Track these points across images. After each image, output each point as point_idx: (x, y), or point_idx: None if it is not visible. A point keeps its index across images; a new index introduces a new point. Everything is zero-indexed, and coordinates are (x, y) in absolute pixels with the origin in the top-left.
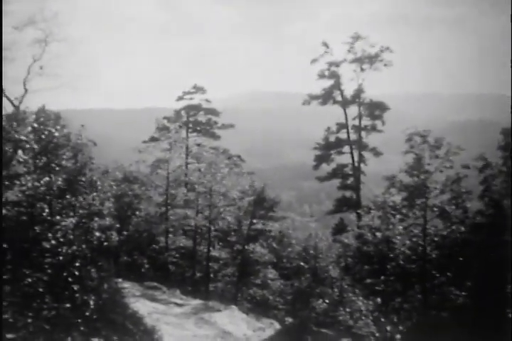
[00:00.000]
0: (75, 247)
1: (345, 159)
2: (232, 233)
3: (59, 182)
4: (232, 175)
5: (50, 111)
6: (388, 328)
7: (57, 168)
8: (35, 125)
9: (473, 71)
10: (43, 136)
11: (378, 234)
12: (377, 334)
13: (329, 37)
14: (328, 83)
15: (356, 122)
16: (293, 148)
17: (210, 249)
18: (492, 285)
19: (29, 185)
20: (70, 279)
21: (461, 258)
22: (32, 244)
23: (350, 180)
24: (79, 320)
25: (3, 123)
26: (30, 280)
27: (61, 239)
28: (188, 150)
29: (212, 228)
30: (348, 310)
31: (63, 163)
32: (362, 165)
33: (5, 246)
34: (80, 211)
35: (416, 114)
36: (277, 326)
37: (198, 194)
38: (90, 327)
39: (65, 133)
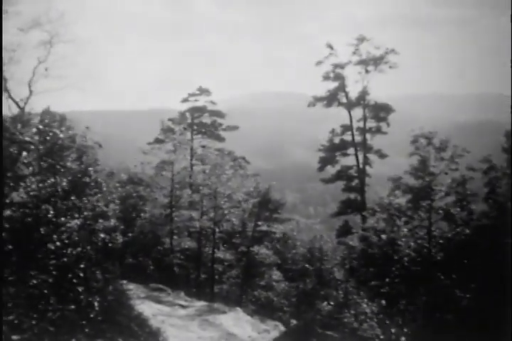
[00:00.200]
0: (79, 249)
1: (350, 161)
2: (237, 235)
3: (64, 184)
4: (237, 177)
5: (55, 113)
6: (393, 330)
7: (62, 170)
8: (40, 126)
9: (478, 71)
10: (48, 138)
11: (383, 236)
12: (382, 337)
13: (335, 38)
14: (333, 85)
15: (361, 124)
16: (298, 149)
17: (215, 250)
18: (497, 288)
19: (33, 186)
20: (74, 281)
21: (465, 261)
22: (37, 246)
23: (354, 182)
24: (84, 322)
25: (8, 124)
26: (35, 281)
27: (66, 241)
28: (192, 152)
29: (217, 230)
30: (352, 312)
31: (68, 164)
32: (367, 167)
33: (10, 247)
34: (85, 212)
35: (420, 115)
36: (282, 328)
37: (203, 196)
38: (95, 329)
39: (70, 135)
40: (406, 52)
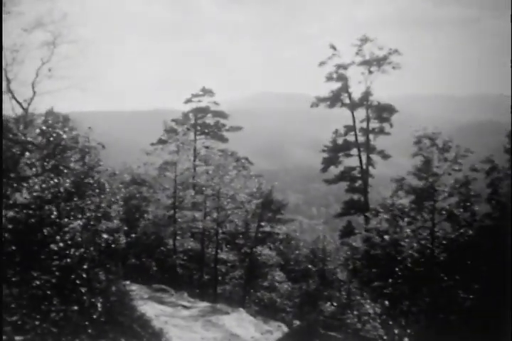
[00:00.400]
0: (82, 249)
1: (353, 162)
2: (240, 235)
3: (67, 185)
4: (240, 178)
5: (59, 114)
6: (396, 331)
7: (65, 171)
8: (44, 127)
9: (479, 72)
10: (52, 139)
11: (386, 237)
12: (385, 338)
13: (335, 38)
14: (336, 85)
15: (364, 125)
16: (301, 150)
17: (218, 251)
18: (500, 289)
19: (37, 187)
20: (77, 281)
21: (469, 261)
22: (40, 247)
23: (358, 183)
24: (86, 323)
25: (11, 125)
26: (38, 282)
27: (69, 242)
28: (196, 153)
29: (220, 230)
30: (355, 312)
31: (71, 165)
32: (370, 167)
33: (13, 248)
34: (88, 213)
35: (421, 115)
36: (285, 329)
37: (206, 196)
38: (98, 330)
39: (74, 136)
40: (407, 52)
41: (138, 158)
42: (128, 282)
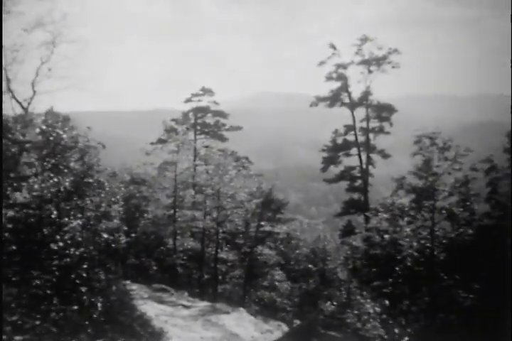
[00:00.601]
0: (82, 249)
1: (353, 161)
2: (240, 235)
3: (66, 184)
4: (240, 177)
5: (59, 113)
6: (396, 331)
7: (65, 170)
8: (44, 127)
9: (480, 71)
10: (51, 138)
11: (386, 237)
12: (385, 337)
13: (336, 38)
14: (336, 85)
15: (364, 124)
16: (301, 149)
17: (218, 251)
18: (500, 288)
19: (36, 186)
20: (77, 281)
21: (469, 261)
22: (40, 246)
23: (358, 182)
24: (86, 322)
25: (10, 124)
26: (37, 282)
27: (69, 241)
28: (195, 152)
29: (220, 230)
30: (355, 312)
31: (71, 165)
32: (370, 167)
33: (13, 247)
34: (88, 213)
35: (422, 115)
36: (285, 328)
37: (206, 196)
38: (97, 329)
39: (73, 135)
40: (408, 52)
41: (138, 158)
42: (128, 281)
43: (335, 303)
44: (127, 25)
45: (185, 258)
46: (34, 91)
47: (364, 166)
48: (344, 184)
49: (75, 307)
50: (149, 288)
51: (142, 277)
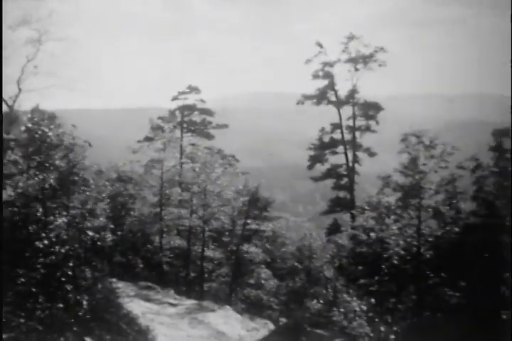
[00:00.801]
0: (68, 247)
1: (339, 159)
2: (227, 233)
3: (52, 182)
4: (227, 175)
5: (45, 111)
6: (382, 329)
7: (51, 168)
8: (29, 125)
9: (472, 71)
10: (37, 136)
11: (372, 235)
12: (371, 335)
13: (330, 37)
14: (323, 83)
15: (350, 122)
16: (288, 148)
17: (205, 249)
18: (487, 286)
19: (21, 184)
20: (63, 279)
21: (455, 259)
22: (25, 244)
23: (344, 181)
24: (72, 320)
25: None
26: (23, 279)
27: (54, 239)
28: (182, 150)
29: (207, 228)
30: (342, 310)
31: (57, 162)
32: (356, 165)
33: None
34: (73, 211)
35: (413, 114)
36: (271, 326)
37: (192, 194)
38: (83, 327)
39: (59, 133)
40: (404, 52)
41: (126, 156)
42: (114, 279)
43: (321, 301)
44: (120, 24)
45: (171, 256)
46: (19, 89)
47: (350, 164)
48: (330, 182)
49: (61, 305)
50: (136, 286)
51: (128, 275)
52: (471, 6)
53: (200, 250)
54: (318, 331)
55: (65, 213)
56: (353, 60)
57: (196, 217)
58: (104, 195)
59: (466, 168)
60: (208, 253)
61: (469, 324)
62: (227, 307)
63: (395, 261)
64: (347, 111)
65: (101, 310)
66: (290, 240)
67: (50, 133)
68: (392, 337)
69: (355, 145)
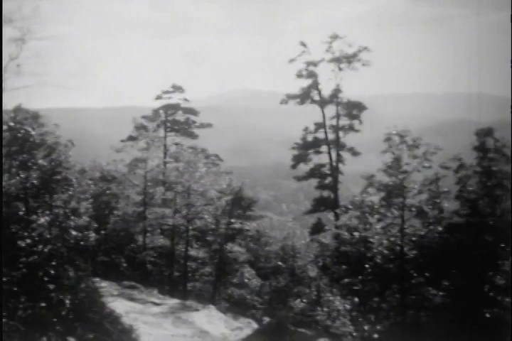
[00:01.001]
0: (50, 246)
1: (323, 159)
2: (210, 232)
3: (34, 181)
4: (210, 175)
5: (28, 110)
6: (366, 328)
7: (33, 167)
8: (11, 124)
9: (459, 71)
10: (19, 135)
11: (356, 234)
12: (354, 334)
13: (314, 37)
14: (307, 82)
15: (334, 122)
16: (272, 147)
17: (188, 248)
18: (470, 285)
19: (3, 183)
20: (45, 278)
21: (438, 258)
22: (7, 243)
23: (328, 180)
24: (55, 320)
25: None
26: (4, 279)
27: (37, 238)
28: (166, 150)
29: (190, 227)
30: (325, 309)
31: (40, 161)
32: (340, 164)
33: None
34: (56, 210)
35: (397, 113)
36: (255, 325)
37: (176, 193)
38: (66, 327)
39: (42, 132)
40: (382, 50)
41: (111, 155)
42: (98, 279)
43: (305, 300)
44: (107, 23)
45: (155, 255)
46: (2, 88)
47: (334, 164)
48: (314, 181)
49: (43, 305)
50: (119, 285)
51: (112, 274)
52: (457, 6)
53: (183, 249)
54: (302, 330)
55: (47, 212)
56: (336, 60)
57: (180, 216)
58: (87, 194)
59: (450, 168)
60: (192, 252)
61: (453, 323)
62: (211, 306)
63: (379, 261)
64: (331, 110)
65: (84, 310)
66: (274, 239)
67: (33, 133)
68: (376, 336)
69: (338, 145)
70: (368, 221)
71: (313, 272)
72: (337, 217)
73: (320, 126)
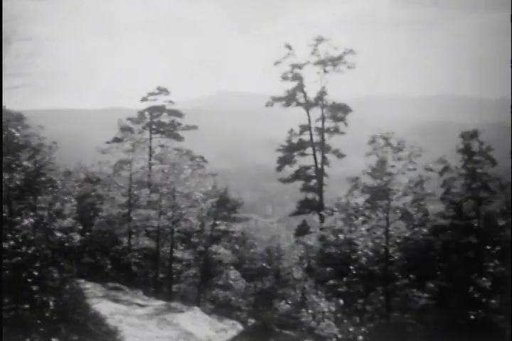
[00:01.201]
0: (34, 248)
1: (308, 161)
2: (195, 234)
3: (18, 183)
4: (196, 176)
5: (11, 112)
6: (351, 329)
7: (17, 169)
8: None
9: (444, 73)
10: (3, 136)
11: (341, 236)
12: (339, 336)
13: (300, 39)
14: (292, 85)
15: (319, 124)
16: (258, 149)
17: (173, 250)
18: (454, 287)
19: None
20: (29, 280)
21: (423, 260)
22: None
23: (313, 182)
24: (38, 321)
25: None
26: None
27: (21, 240)
28: (151, 151)
29: (175, 229)
30: (310, 311)
31: (24, 163)
32: (325, 166)
33: None
34: (40, 211)
35: (383, 116)
36: (240, 327)
37: (161, 195)
38: (50, 328)
39: (27, 134)
40: (367, 52)
41: (96, 157)
42: (82, 280)
43: (290, 302)
44: (92, 24)
45: (140, 257)
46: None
47: (319, 166)
48: (299, 183)
49: (27, 306)
50: (104, 287)
51: (97, 276)
52: (442, 8)
53: (168, 251)
54: (287, 332)
55: (32, 214)
56: (322, 62)
57: (165, 218)
58: (71, 196)
59: (434, 170)
60: (177, 254)
61: (437, 324)
62: (196, 308)
63: (364, 262)
64: (316, 112)
65: (68, 311)
66: (259, 241)
67: (17, 134)
68: (361, 337)
69: (323, 147)
70: (353, 223)
71: (298, 274)
72: (322, 219)
73: (305, 128)
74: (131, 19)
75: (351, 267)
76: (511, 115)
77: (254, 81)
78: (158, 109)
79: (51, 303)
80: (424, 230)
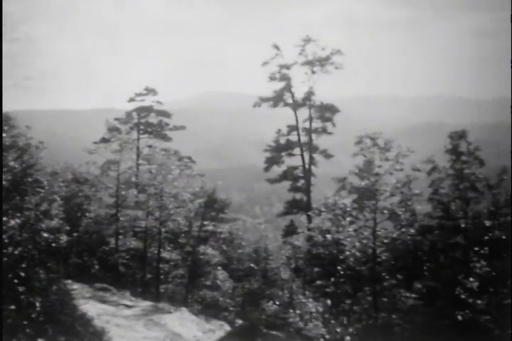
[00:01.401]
0: (21, 248)
1: (296, 161)
2: (183, 234)
3: (5, 183)
4: (183, 177)
5: None
6: (338, 330)
7: (4, 169)
8: None
9: (434, 73)
10: None
11: (328, 236)
12: (327, 336)
13: (290, 39)
14: (280, 85)
15: (307, 124)
16: (246, 149)
17: (161, 250)
18: (441, 287)
19: None
20: (15, 281)
21: (410, 261)
22: None
23: (300, 182)
24: (25, 322)
25: None
26: None
27: (7, 240)
28: (138, 152)
29: (163, 229)
30: (298, 312)
31: (10, 163)
32: (312, 167)
33: None
34: (27, 212)
35: (371, 116)
36: (227, 328)
37: (149, 195)
38: (37, 329)
39: (14, 134)
40: (355, 53)
41: (85, 157)
42: (69, 281)
43: (277, 303)
44: (85, 24)
45: (127, 257)
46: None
47: (307, 166)
48: (287, 184)
49: (13, 307)
50: (91, 288)
51: (84, 276)
52: (428, 9)
53: (156, 251)
54: (274, 333)
55: (18, 214)
56: (309, 63)
57: (152, 219)
58: (58, 196)
59: (422, 170)
60: (165, 254)
61: (425, 325)
62: (183, 308)
63: (351, 263)
64: (304, 113)
65: (55, 312)
66: (247, 242)
67: (3, 134)
68: (348, 338)
69: (311, 147)
70: (341, 223)
71: (285, 274)
72: (310, 219)
73: (293, 128)
74: (121, 19)
75: (339, 267)
76: (511, 115)
77: (244, 81)
78: (146, 110)
79: (38, 304)
80: (412, 230)
